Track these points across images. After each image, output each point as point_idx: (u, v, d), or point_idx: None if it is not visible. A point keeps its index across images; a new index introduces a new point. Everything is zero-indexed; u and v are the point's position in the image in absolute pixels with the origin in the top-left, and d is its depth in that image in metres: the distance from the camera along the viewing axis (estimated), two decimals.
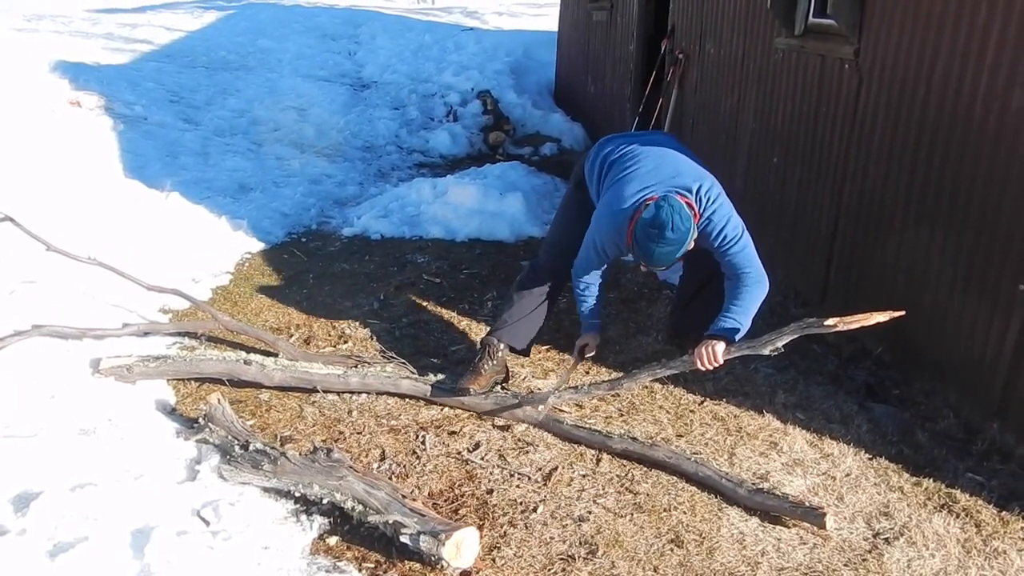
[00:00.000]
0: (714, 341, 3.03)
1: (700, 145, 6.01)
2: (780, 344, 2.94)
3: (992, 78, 3.01)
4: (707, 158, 5.77)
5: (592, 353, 3.51)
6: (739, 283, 3.10)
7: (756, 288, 3.10)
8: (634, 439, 3.09)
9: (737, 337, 3.06)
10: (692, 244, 3.01)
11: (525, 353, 3.70)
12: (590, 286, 3.38)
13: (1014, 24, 2.88)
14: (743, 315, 3.08)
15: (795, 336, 2.91)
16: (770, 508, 2.78)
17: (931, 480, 2.96)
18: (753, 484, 2.86)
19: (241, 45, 11.43)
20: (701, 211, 3.05)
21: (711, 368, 3.06)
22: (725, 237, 3.06)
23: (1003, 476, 2.97)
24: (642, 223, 2.93)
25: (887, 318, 2.78)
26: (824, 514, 2.67)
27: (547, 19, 12.89)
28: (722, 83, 5.55)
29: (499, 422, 3.33)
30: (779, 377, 3.70)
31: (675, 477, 2.97)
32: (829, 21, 4.14)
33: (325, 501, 2.72)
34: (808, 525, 2.71)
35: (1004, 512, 2.80)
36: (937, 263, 3.39)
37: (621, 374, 3.46)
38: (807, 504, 2.74)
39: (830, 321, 2.80)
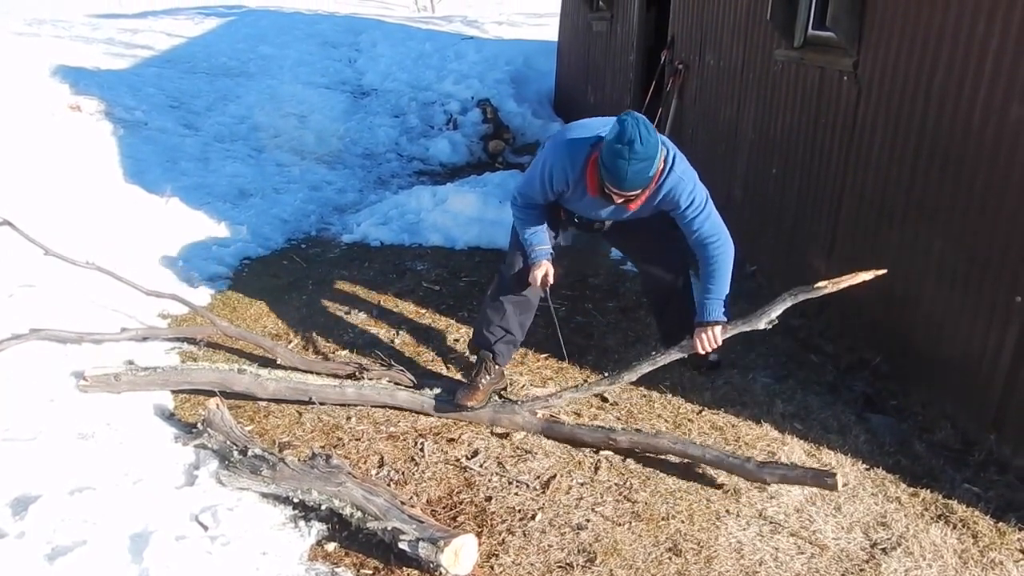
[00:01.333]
0: (710, 327, 3.11)
1: (700, 155, 6.03)
2: (774, 316, 3.09)
3: (990, 90, 3.03)
4: (707, 167, 5.79)
5: (552, 282, 3.34)
6: (711, 256, 3.11)
7: (727, 257, 3.13)
8: (638, 430, 3.13)
9: (725, 309, 3.12)
10: (659, 169, 2.89)
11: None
12: (531, 215, 3.29)
13: (1012, 36, 2.90)
14: (724, 288, 3.13)
15: (787, 305, 3.07)
16: (780, 477, 2.85)
17: (928, 491, 2.97)
18: (759, 460, 2.95)
19: (242, 51, 11.45)
20: (668, 163, 3.00)
21: (712, 349, 3.16)
22: (693, 201, 3.04)
23: (1000, 487, 2.98)
24: (607, 145, 2.80)
25: (871, 276, 2.93)
26: (834, 474, 2.76)
27: (547, 29, 12.95)
28: (722, 94, 5.58)
29: (498, 429, 3.33)
30: (777, 387, 3.71)
31: (673, 486, 2.97)
32: (828, 33, 4.17)
33: (323, 507, 2.72)
34: (806, 534, 2.72)
35: (1001, 523, 2.80)
36: (935, 273, 3.41)
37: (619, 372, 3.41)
38: (815, 468, 2.83)
39: (819, 284, 2.96)
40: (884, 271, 2.91)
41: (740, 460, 2.94)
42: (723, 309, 3.13)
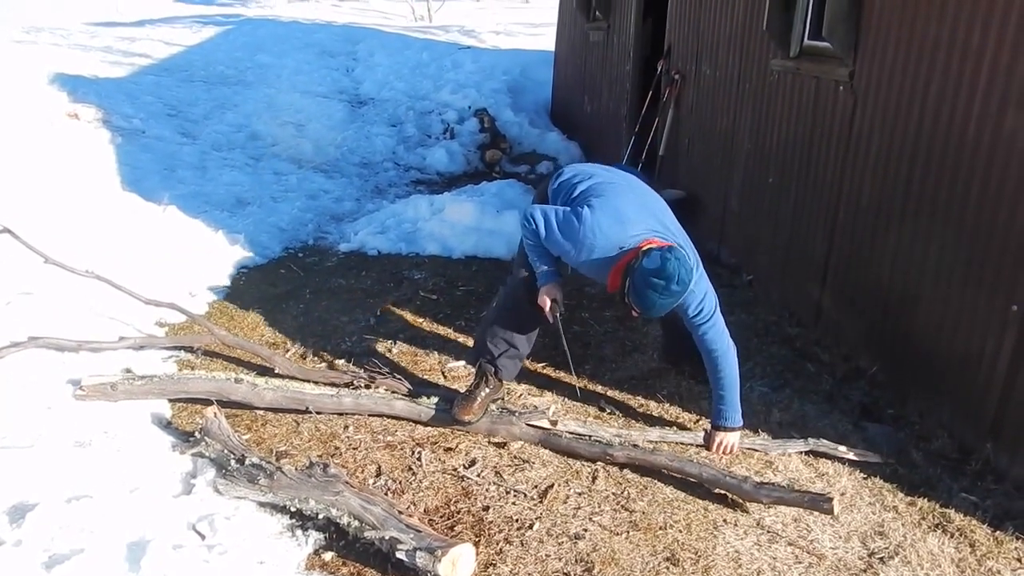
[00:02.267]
0: (725, 433, 3.17)
1: (696, 165, 6.06)
2: (791, 451, 3.24)
3: (985, 99, 3.05)
4: (703, 178, 5.84)
5: (563, 311, 3.28)
6: (716, 365, 3.15)
7: (732, 364, 3.16)
8: (635, 445, 3.13)
9: (738, 413, 3.18)
10: None
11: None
12: (551, 262, 3.21)
13: (1007, 48, 2.93)
14: (736, 393, 3.17)
15: (806, 449, 3.23)
16: (777, 499, 2.85)
17: (926, 500, 2.97)
18: (757, 478, 2.96)
19: (239, 60, 11.48)
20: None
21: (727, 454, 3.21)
22: (702, 311, 3.07)
23: (997, 496, 2.99)
24: (644, 271, 2.81)
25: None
26: (831, 499, 2.76)
27: (544, 39, 12.98)
28: (718, 104, 5.60)
29: (495, 439, 3.33)
30: (774, 396, 3.71)
31: (671, 495, 2.98)
32: (824, 43, 4.20)
33: (321, 516, 2.71)
34: (804, 544, 2.72)
35: (998, 532, 2.81)
36: (931, 283, 3.42)
37: (620, 429, 3.40)
38: (813, 492, 2.85)
39: (841, 448, 3.22)
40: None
41: (737, 480, 2.93)
42: (738, 414, 3.18)
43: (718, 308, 3.13)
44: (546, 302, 3.20)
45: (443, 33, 14.77)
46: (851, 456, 3.18)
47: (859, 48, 3.87)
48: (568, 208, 3.12)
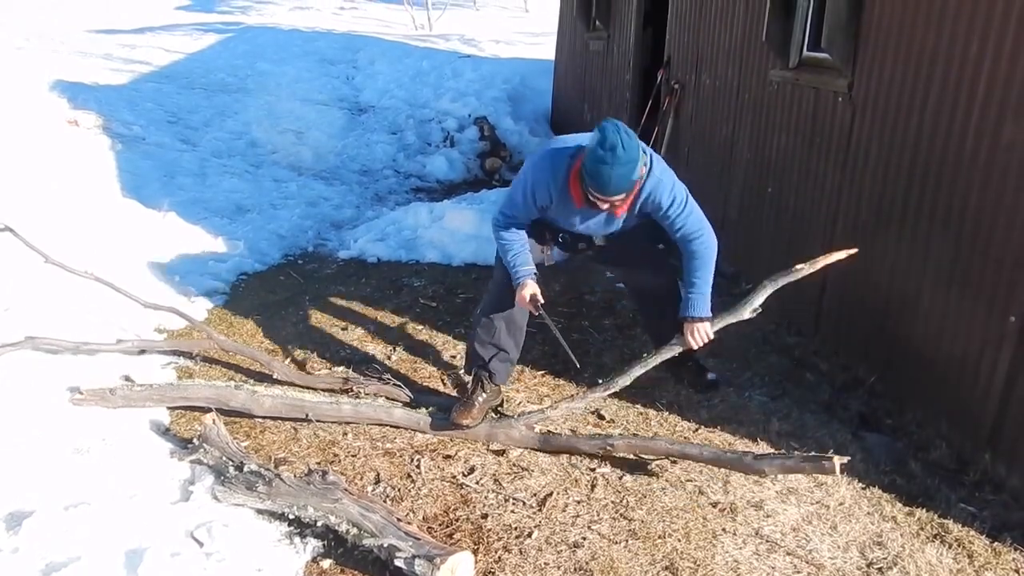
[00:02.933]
0: (699, 322, 3.20)
1: (695, 174, 6.07)
2: (758, 303, 3.19)
3: (983, 111, 3.07)
4: (702, 187, 5.84)
5: (542, 301, 3.28)
6: (695, 251, 3.17)
7: (711, 251, 3.19)
8: (635, 435, 3.15)
9: (712, 304, 3.20)
10: (641, 172, 2.94)
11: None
12: (514, 236, 3.27)
13: (1004, 59, 2.94)
14: (708, 283, 3.21)
15: (769, 292, 3.16)
16: (778, 467, 2.90)
17: (924, 510, 2.97)
18: (756, 452, 3.02)
19: (240, 68, 11.51)
20: (648, 166, 3.02)
21: (704, 344, 3.24)
22: (675, 200, 3.09)
23: (995, 507, 2.99)
24: (590, 152, 2.83)
25: (845, 256, 3.09)
26: (831, 458, 2.80)
27: (544, 48, 13.03)
28: (717, 113, 5.62)
29: (494, 446, 3.33)
30: (773, 405, 3.72)
31: (670, 504, 2.97)
32: (823, 54, 4.22)
33: (319, 524, 2.71)
34: (803, 553, 2.72)
35: (996, 543, 2.80)
36: (929, 293, 3.43)
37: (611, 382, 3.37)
38: (813, 455, 2.89)
39: (798, 267, 3.14)
40: (855, 250, 3.07)
41: (737, 454, 3.01)
42: (709, 304, 3.21)
43: (691, 197, 3.16)
44: (524, 300, 3.24)
45: (443, 42, 14.81)
46: (808, 270, 3.14)
47: (858, 59, 3.89)
48: None
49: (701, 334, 3.20)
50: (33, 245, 3.87)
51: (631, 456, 3.20)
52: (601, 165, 2.79)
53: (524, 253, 3.28)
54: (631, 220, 3.27)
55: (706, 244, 3.19)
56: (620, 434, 3.19)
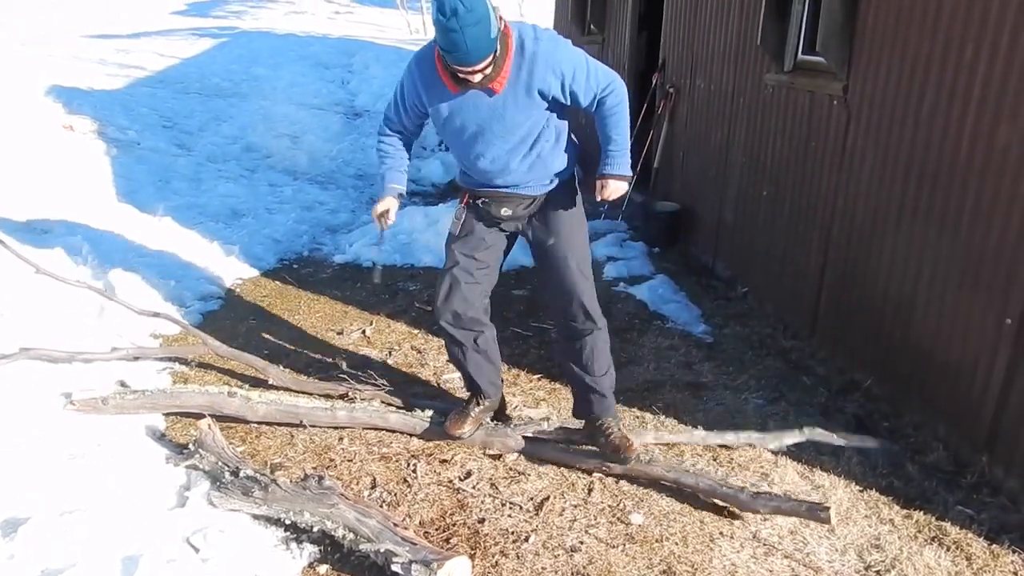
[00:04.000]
0: (618, 179, 2.94)
1: (691, 178, 6.08)
2: (786, 444, 3.28)
3: (978, 115, 3.08)
4: (697, 191, 5.86)
5: (392, 221, 3.16)
6: (610, 107, 2.85)
7: (624, 102, 2.89)
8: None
9: (628, 162, 2.96)
10: (502, 31, 2.60)
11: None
12: (389, 145, 3.14)
13: (999, 62, 2.95)
14: (626, 137, 2.94)
15: (801, 440, 3.29)
16: (773, 508, 2.84)
17: (921, 513, 2.97)
18: (753, 488, 2.96)
19: (235, 72, 11.50)
20: (524, 33, 2.72)
21: (616, 200, 3.04)
22: (576, 64, 2.74)
23: (993, 509, 2.99)
24: (435, 25, 2.52)
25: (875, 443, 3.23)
26: (828, 508, 2.75)
27: None
28: (712, 117, 5.63)
29: (491, 451, 3.32)
30: (769, 408, 3.72)
31: (667, 508, 2.97)
32: (818, 58, 4.23)
33: (316, 529, 2.70)
34: (800, 557, 2.72)
35: (994, 545, 2.80)
36: (925, 296, 3.43)
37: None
38: (809, 501, 2.85)
39: (838, 438, 3.27)
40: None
41: (734, 490, 2.92)
42: (629, 161, 2.96)
43: (591, 58, 2.83)
44: (376, 211, 3.13)
45: None
46: (843, 443, 3.19)
47: (852, 63, 3.90)
48: None
49: (618, 191, 2.95)
50: (24, 256, 3.85)
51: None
52: (449, 33, 2.47)
53: (394, 167, 3.15)
54: (526, 106, 2.79)
55: (620, 96, 2.86)
56: None
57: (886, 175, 3.66)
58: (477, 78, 2.67)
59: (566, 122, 2.97)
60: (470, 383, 3.34)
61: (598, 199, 2.99)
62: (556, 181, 3.03)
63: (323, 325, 4.65)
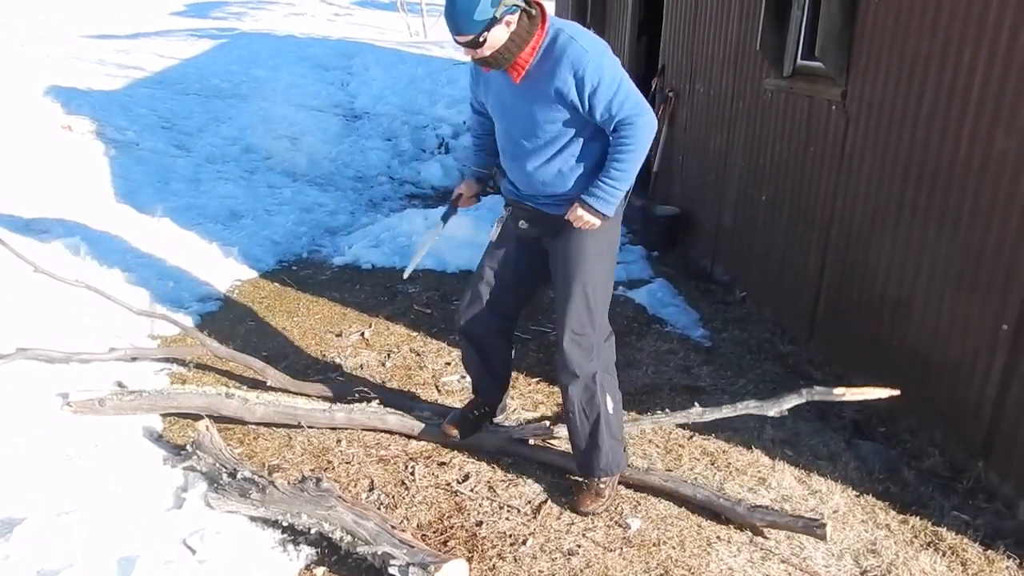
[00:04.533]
0: (591, 213, 2.70)
1: (690, 182, 6.09)
2: (786, 407, 3.14)
3: (976, 120, 3.09)
4: (696, 195, 5.87)
5: (469, 205, 3.20)
6: (624, 136, 2.63)
7: (644, 139, 2.65)
8: (629, 465, 3.11)
9: (611, 204, 2.70)
10: (495, 17, 2.48)
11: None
12: (474, 121, 3.14)
13: (998, 65, 2.96)
14: (625, 180, 2.68)
15: (802, 401, 3.12)
16: (770, 523, 2.83)
17: (917, 518, 2.98)
18: (750, 502, 2.93)
19: (234, 73, 11.49)
20: (553, 25, 2.62)
21: (582, 226, 2.76)
22: (602, 78, 2.56)
23: (988, 515, 3.00)
24: None
25: (887, 395, 2.98)
26: (824, 524, 2.73)
27: None
28: (711, 122, 5.64)
29: (489, 454, 3.32)
30: None
31: (664, 511, 2.97)
32: (817, 63, 4.24)
33: (313, 531, 2.70)
34: (797, 562, 2.72)
35: (990, 551, 2.81)
36: (922, 302, 3.44)
37: None
38: (806, 516, 2.82)
39: (837, 390, 3.05)
40: (897, 392, 2.98)
41: (731, 502, 2.91)
42: (615, 202, 2.70)
43: (626, 77, 2.62)
44: (453, 194, 3.19)
45: (438, 48, 14.83)
46: (848, 397, 3.05)
47: (851, 68, 3.92)
48: None
49: (585, 225, 2.74)
50: (22, 254, 3.85)
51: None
52: (446, 6, 2.52)
53: (476, 150, 3.18)
54: (549, 107, 2.66)
55: (639, 133, 2.63)
56: None
57: (884, 180, 3.68)
58: (471, 55, 2.62)
59: (604, 154, 2.73)
60: (475, 386, 3.37)
61: (564, 216, 2.78)
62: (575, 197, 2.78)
63: (322, 327, 4.65)
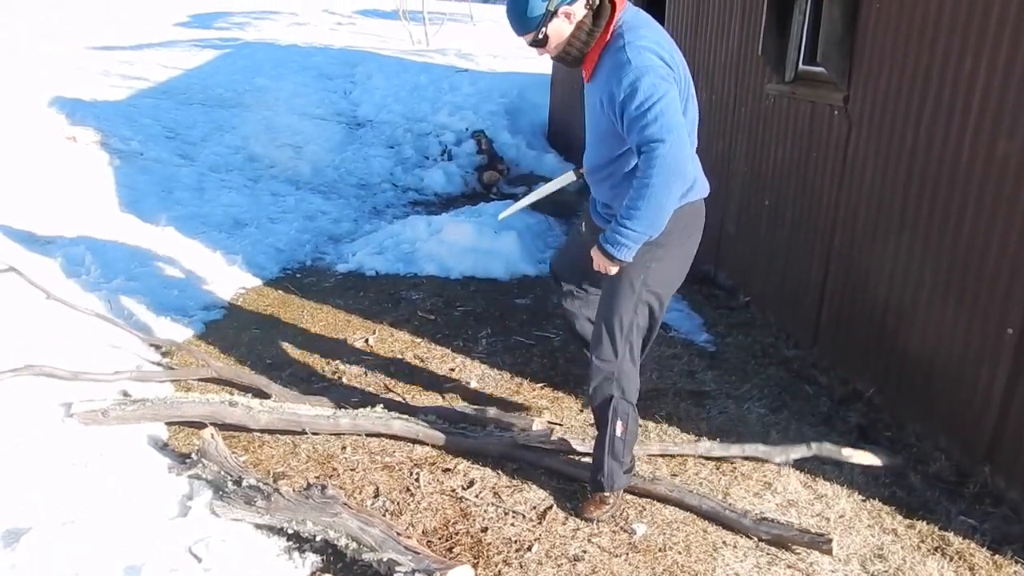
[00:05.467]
0: (605, 258, 2.62)
1: None
2: (792, 458, 3.22)
3: (978, 125, 3.09)
4: None
5: (576, 179, 3.26)
6: (642, 165, 2.45)
7: (662, 171, 2.40)
8: (635, 474, 3.10)
9: (627, 246, 2.55)
10: (550, 11, 2.46)
11: None
12: None
13: (999, 72, 2.97)
14: (642, 218, 2.48)
15: (808, 455, 3.22)
16: (776, 536, 2.82)
17: (924, 523, 2.97)
18: (757, 514, 2.92)
19: (238, 83, 11.55)
20: (621, 32, 2.52)
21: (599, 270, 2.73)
22: (635, 90, 2.40)
23: (995, 519, 2.98)
24: None
25: (889, 463, 3.17)
26: (830, 540, 2.72)
27: (540, 62, 13.06)
28: (714, 127, 5.64)
29: (492, 459, 3.31)
30: (772, 418, 3.72)
31: (670, 517, 2.97)
32: (819, 69, 4.25)
33: (318, 538, 2.70)
34: (803, 567, 2.71)
35: (997, 555, 2.80)
36: (926, 306, 3.44)
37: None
38: (812, 531, 2.81)
39: (846, 451, 3.19)
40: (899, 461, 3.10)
41: (737, 514, 2.90)
42: (631, 244, 2.55)
43: (666, 95, 2.41)
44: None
45: (440, 56, 14.88)
46: (854, 461, 3.13)
47: (853, 73, 3.92)
48: None
49: (601, 268, 2.69)
50: (35, 282, 3.88)
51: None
52: (505, 9, 2.52)
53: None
54: (605, 113, 2.59)
55: (660, 165, 2.39)
56: None
57: (887, 184, 3.67)
58: (541, 54, 2.67)
59: None
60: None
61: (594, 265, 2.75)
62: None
63: (326, 334, 4.65)
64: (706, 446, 3.35)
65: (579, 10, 2.51)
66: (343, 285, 5.58)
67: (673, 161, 2.40)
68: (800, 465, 3.32)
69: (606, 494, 2.97)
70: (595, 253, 2.66)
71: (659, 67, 2.46)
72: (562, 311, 3.34)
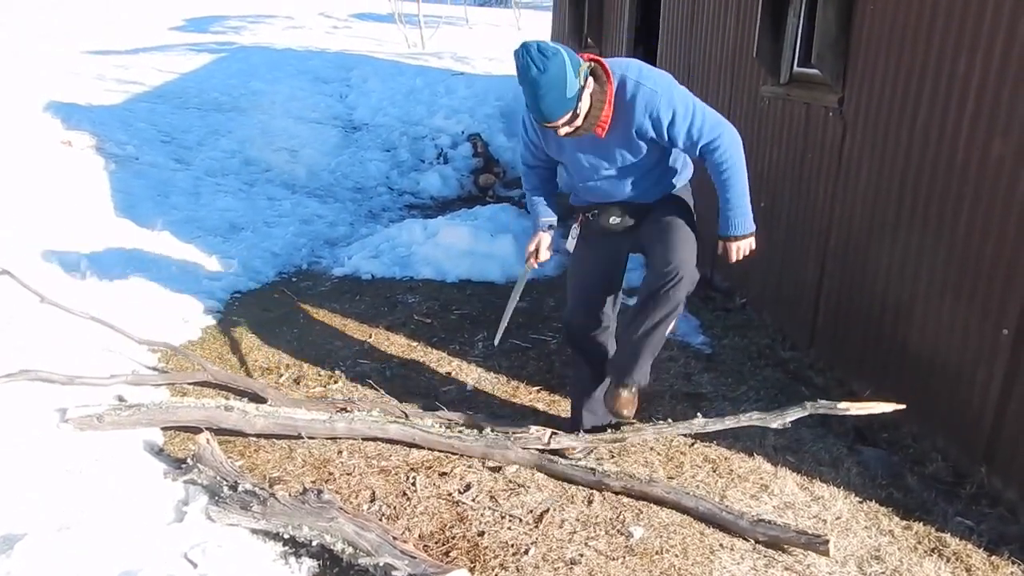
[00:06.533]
0: (741, 240, 3.00)
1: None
2: (789, 420, 3.12)
3: (972, 126, 3.10)
4: (694, 202, 5.86)
5: (545, 258, 3.26)
6: (718, 163, 2.85)
7: (736, 156, 2.87)
8: (632, 476, 3.10)
9: (747, 218, 2.97)
10: (582, 86, 2.60)
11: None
12: (530, 180, 3.24)
13: (993, 74, 2.97)
14: (743, 195, 2.94)
15: (804, 414, 3.10)
16: (772, 538, 2.81)
17: (921, 524, 2.97)
18: (754, 515, 2.91)
19: (233, 87, 11.53)
20: (625, 79, 2.73)
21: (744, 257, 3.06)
22: (675, 112, 2.73)
23: (992, 520, 2.98)
24: (518, 81, 2.59)
25: (891, 409, 2.97)
26: (827, 541, 2.72)
27: None
28: None
29: (490, 463, 3.31)
30: None
31: (667, 519, 2.96)
32: (814, 70, 4.26)
33: (315, 543, 2.69)
34: (800, 569, 2.71)
35: (994, 556, 2.80)
36: (922, 307, 3.44)
37: None
38: (809, 532, 2.80)
39: (841, 404, 3.03)
40: (903, 406, 2.97)
41: (734, 515, 2.90)
42: (748, 218, 2.96)
43: (698, 102, 2.80)
44: (528, 251, 3.26)
45: (436, 59, 14.88)
46: (852, 412, 3.05)
47: (848, 75, 3.93)
48: None
49: (743, 252, 3.02)
50: (29, 286, 3.87)
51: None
52: (529, 97, 2.58)
53: (540, 203, 3.24)
54: (634, 146, 2.86)
55: (728, 150, 2.83)
56: (617, 473, 3.14)
57: (882, 185, 3.68)
58: (564, 130, 2.74)
59: None
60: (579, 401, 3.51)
61: (732, 260, 3.04)
62: (673, 188, 3.14)
63: (322, 338, 4.65)
64: (700, 422, 3.25)
65: (590, 79, 2.69)
66: (339, 289, 5.58)
67: (733, 142, 2.85)
68: (796, 466, 3.32)
69: (635, 390, 3.13)
70: (731, 245, 2.99)
71: (670, 79, 2.79)
72: (595, 344, 3.36)
